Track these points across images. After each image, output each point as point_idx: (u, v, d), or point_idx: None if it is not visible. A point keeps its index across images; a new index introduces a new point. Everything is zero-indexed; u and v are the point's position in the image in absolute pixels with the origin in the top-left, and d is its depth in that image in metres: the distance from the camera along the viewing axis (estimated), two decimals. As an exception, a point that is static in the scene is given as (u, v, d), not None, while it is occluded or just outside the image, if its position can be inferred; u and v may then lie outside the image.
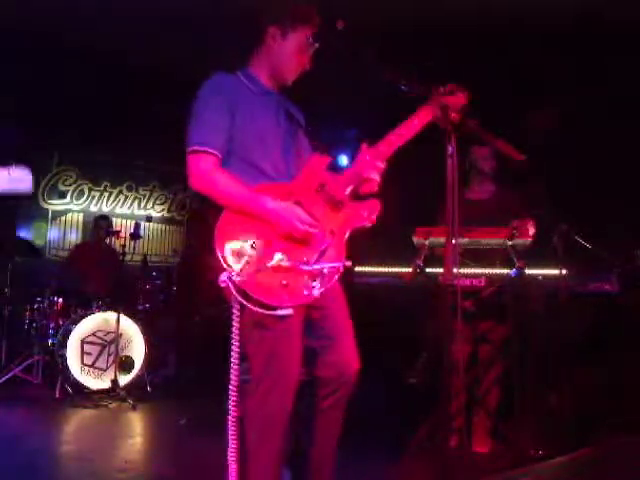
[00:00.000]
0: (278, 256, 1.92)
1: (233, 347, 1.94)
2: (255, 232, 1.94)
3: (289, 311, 1.89)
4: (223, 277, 1.88)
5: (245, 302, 1.88)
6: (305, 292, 1.92)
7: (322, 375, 2.11)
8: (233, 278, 1.87)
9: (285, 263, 1.91)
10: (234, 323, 1.93)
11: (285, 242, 1.95)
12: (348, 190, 2.09)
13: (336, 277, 1.98)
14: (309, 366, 2.12)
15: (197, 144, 2.00)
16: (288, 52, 2.15)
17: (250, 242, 1.92)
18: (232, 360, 1.95)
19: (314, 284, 1.94)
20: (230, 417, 1.96)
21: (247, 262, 1.89)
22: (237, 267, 1.88)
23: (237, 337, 1.93)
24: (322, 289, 1.95)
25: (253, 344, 2.00)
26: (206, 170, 1.99)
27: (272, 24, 2.15)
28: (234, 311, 1.92)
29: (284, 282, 1.90)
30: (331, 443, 2.17)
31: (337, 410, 2.15)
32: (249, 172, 2.05)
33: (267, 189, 2.00)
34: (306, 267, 1.93)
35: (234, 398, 1.95)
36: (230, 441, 1.96)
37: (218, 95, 2.06)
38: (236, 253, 1.91)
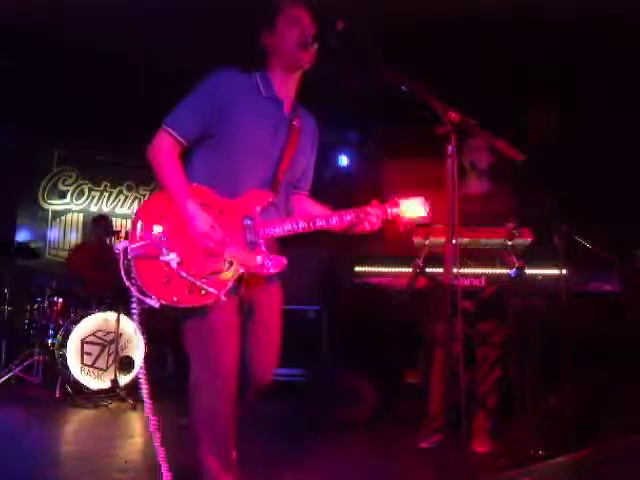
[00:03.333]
0: (173, 255, 1.99)
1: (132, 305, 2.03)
2: (170, 223, 2.04)
3: (155, 304, 1.97)
4: (120, 245, 1.99)
5: (125, 277, 1.97)
6: (174, 298, 1.98)
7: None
8: (128, 250, 1.98)
9: (174, 265, 1.98)
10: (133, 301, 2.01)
11: (187, 247, 2.02)
12: (269, 236, 2.11)
13: (210, 300, 2.00)
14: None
15: (167, 123, 2.11)
16: (282, 32, 2.18)
17: (160, 229, 2.01)
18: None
19: (188, 296, 1.99)
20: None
21: (146, 244, 1.99)
22: (137, 243, 1.99)
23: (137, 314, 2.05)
24: (193, 304, 2.00)
25: (187, 345, 2.10)
26: (160, 147, 2.10)
27: (263, 35, 2.24)
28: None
29: (165, 279, 1.98)
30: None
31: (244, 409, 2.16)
32: (215, 170, 2.12)
33: (203, 193, 2.08)
34: (190, 278, 1.98)
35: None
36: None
37: (211, 89, 2.14)
38: (143, 231, 2.01)
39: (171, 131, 2.10)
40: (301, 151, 2.25)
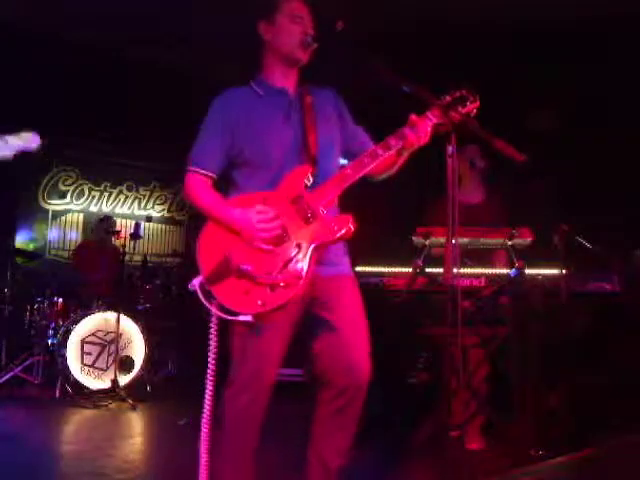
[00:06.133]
0: (244, 266, 2.00)
1: (210, 348, 2.06)
2: (229, 243, 2.05)
3: (248, 317, 1.97)
4: (195, 281, 2.02)
5: (209, 305, 2.00)
6: (259, 302, 1.97)
7: (327, 377, 2.09)
8: (203, 281, 2.01)
9: (249, 273, 1.99)
10: (212, 330, 2.05)
11: (252, 252, 2.02)
12: (324, 201, 2.07)
13: (295, 289, 1.98)
14: (311, 367, 2.13)
15: (190, 164, 2.18)
16: (283, 30, 2.17)
17: (224, 250, 2.04)
18: (209, 365, 2.06)
19: (272, 295, 1.98)
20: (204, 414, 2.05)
21: (216, 269, 2.02)
22: (209, 272, 2.03)
23: (214, 340, 2.06)
24: (282, 301, 1.97)
25: (233, 342, 2.09)
26: (191, 187, 2.17)
27: (260, 21, 2.22)
28: (212, 319, 2.04)
29: (244, 291, 1.99)
30: (335, 457, 2.12)
31: (343, 417, 2.10)
32: (254, 178, 2.15)
33: (243, 200, 2.10)
34: (266, 279, 1.98)
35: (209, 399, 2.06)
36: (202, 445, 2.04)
37: (217, 115, 2.19)
38: (209, 259, 2.04)
39: (197, 170, 2.15)
40: (325, 120, 2.22)
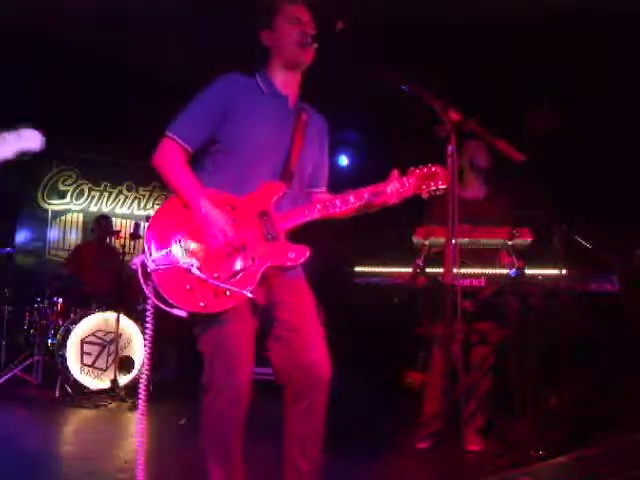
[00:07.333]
0: (193, 261, 1.95)
1: (146, 332, 2.02)
2: (186, 230, 1.99)
3: (183, 314, 1.92)
4: (136, 260, 1.94)
5: (146, 289, 1.93)
6: (201, 304, 1.93)
7: (288, 379, 2.07)
8: (146, 262, 1.93)
9: (196, 271, 1.93)
10: (148, 314, 1.99)
11: (206, 250, 1.98)
12: (288, 226, 2.08)
13: (238, 300, 1.96)
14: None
15: (171, 131, 2.11)
16: (283, 35, 2.18)
17: (177, 237, 1.98)
18: (145, 349, 2.04)
19: (214, 300, 1.94)
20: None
21: (164, 255, 1.95)
22: (154, 255, 1.94)
23: (151, 324, 2.01)
24: (222, 308, 1.95)
25: (201, 344, 2.04)
26: (166, 154, 2.09)
27: (261, 30, 2.23)
28: (148, 301, 1.97)
29: (188, 287, 1.93)
30: (304, 460, 2.05)
31: (308, 419, 2.06)
32: (220, 172, 2.11)
33: (212, 195, 2.05)
34: (214, 282, 1.93)
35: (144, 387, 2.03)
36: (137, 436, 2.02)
37: (217, 93, 2.14)
38: (159, 241, 1.97)
39: (176, 138, 2.08)
40: (309, 144, 2.23)
